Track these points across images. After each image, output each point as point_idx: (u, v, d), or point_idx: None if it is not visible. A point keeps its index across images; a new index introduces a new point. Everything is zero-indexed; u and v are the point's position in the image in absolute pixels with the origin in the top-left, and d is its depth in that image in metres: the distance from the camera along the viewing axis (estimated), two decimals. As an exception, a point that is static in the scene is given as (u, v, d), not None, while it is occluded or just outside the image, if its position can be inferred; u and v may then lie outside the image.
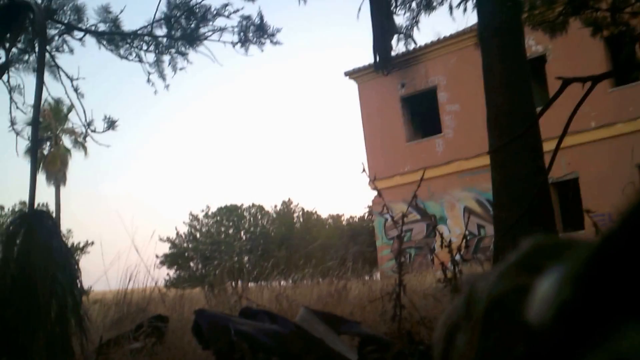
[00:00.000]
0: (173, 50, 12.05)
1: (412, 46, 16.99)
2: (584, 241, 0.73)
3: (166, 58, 12.16)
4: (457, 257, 6.44)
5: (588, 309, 0.59)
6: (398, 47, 15.85)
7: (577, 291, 0.61)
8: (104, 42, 11.81)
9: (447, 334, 0.84)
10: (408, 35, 15.54)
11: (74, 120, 42.04)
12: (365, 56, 33.29)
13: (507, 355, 0.71)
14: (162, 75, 12.29)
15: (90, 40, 11.87)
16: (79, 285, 5.41)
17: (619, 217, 0.61)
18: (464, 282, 0.85)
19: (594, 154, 23.85)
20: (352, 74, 31.55)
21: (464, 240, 7.05)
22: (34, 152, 6.48)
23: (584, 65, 19.74)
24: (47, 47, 10.35)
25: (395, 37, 15.11)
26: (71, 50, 11.97)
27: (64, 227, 39.14)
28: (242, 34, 11.94)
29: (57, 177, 42.99)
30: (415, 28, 15.33)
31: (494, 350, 0.73)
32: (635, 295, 0.57)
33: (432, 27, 60.56)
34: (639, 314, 0.57)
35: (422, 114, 29.76)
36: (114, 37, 11.87)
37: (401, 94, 29.94)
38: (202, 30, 11.95)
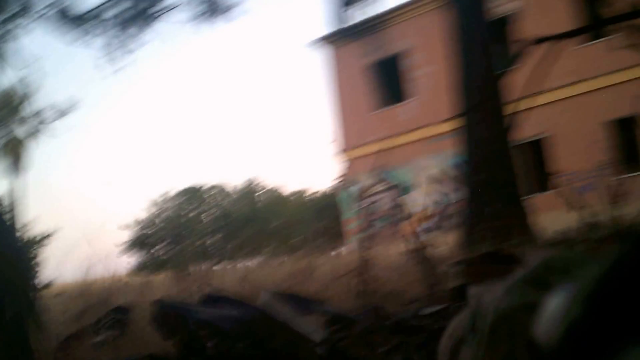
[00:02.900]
0: (121, 33, 11.84)
1: (379, 9, 16.90)
2: (594, 258, 0.74)
3: (116, 41, 11.94)
4: (423, 226, 6.40)
5: (597, 329, 0.59)
6: (365, 10, 15.75)
7: (586, 311, 0.61)
8: (51, 28, 11.55)
9: (452, 347, 0.84)
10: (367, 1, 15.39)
11: (29, 108, 41.42)
12: (333, 21, 33.08)
13: (512, 370, 0.63)
14: (112, 60, 12.06)
15: (38, 26, 11.61)
16: (35, 280, 5.29)
17: (631, 237, 0.61)
18: (471, 295, 0.84)
19: (566, 112, 23.94)
20: (316, 42, 31.32)
21: (429, 210, 7.01)
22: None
23: (552, 25, 19.75)
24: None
25: (357, 3, 15.01)
26: (19, 38, 11.71)
27: (21, 219, 38.61)
28: (195, 12, 11.78)
29: (13, 167, 42.38)
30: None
31: (499, 365, 0.64)
32: None
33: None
34: None
35: (392, 80, 29.65)
36: (62, 22, 11.62)
37: (366, 62, 29.75)
38: (154, 8, 11.76)
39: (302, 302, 4.80)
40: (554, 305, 0.66)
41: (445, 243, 7.51)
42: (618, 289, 0.57)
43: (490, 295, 0.79)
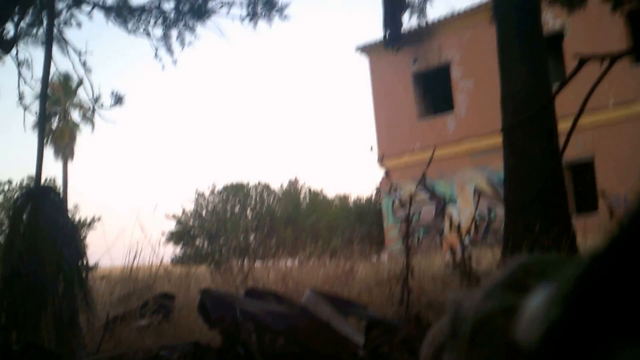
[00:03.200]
0: (181, 25, 11.99)
1: (424, 21, 16.85)
2: (571, 259, 0.74)
3: (174, 33, 12.11)
4: (467, 239, 6.37)
5: (578, 329, 0.58)
6: (410, 22, 15.76)
7: (566, 311, 0.60)
8: (112, 17, 11.74)
9: (433, 353, 0.82)
10: (420, 10, 15.47)
11: (82, 95, 41.83)
12: (378, 30, 33.00)
13: (494, 375, 0.72)
14: (169, 50, 12.25)
15: (98, 14, 11.82)
16: (84, 261, 5.41)
17: (606, 236, 0.60)
18: (450, 301, 0.82)
19: (611, 135, 23.56)
20: (363, 49, 31.27)
21: (474, 223, 6.96)
22: (41, 126, 6.46)
23: (603, 42, 19.46)
24: (55, 21, 10.29)
25: (408, 11, 15.03)
26: (79, 25, 11.93)
27: (71, 203, 39.32)
28: (250, 8, 11.87)
29: (65, 151, 43.04)
30: (428, 3, 15.21)
31: (481, 370, 0.73)
32: (625, 316, 0.56)
33: (446, 1, 60.26)
34: (630, 335, 0.56)
35: (434, 91, 29.48)
36: (122, 11, 11.80)
37: (413, 70, 29.63)
38: (210, 4, 11.89)
39: (344, 304, 4.83)
40: (533, 308, 0.66)
41: (489, 257, 7.47)
42: (597, 288, 0.57)
43: (469, 301, 0.79)
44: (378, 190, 33.99)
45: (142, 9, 11.90)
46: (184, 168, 70.86)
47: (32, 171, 6.29)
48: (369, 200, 38.90)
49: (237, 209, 40.90)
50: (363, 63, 34.33)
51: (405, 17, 15.45)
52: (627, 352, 0.54)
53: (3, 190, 36.88)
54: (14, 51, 10.48)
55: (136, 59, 78.98)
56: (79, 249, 5.44)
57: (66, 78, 30.14)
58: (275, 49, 79.20)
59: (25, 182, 34.36)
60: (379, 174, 33.39)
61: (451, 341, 0.79)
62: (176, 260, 32.53)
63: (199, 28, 12.06)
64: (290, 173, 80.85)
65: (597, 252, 0.59)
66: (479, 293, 0.79)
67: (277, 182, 51.64)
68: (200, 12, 11.80)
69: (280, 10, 11.97)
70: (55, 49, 10.66)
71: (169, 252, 36.04)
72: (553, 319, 0.61)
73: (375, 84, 31.04)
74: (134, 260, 8.13)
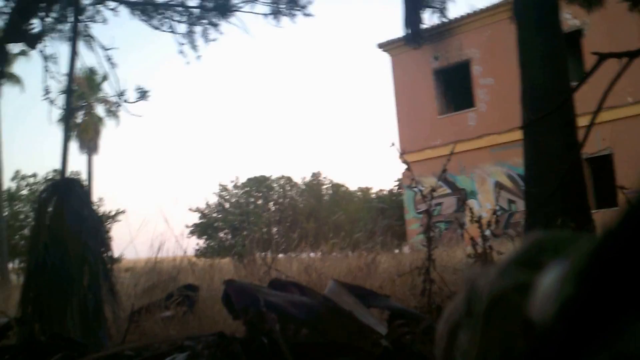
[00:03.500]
0: (205, 21, 12.06)
1: (444, 19, 16.83)
2: (585, 236, 0.74)
3: (198, 29, 12.18)
4: (488, 232, 6.38)
5: (591, 306, 0.57)
6: (431, 19, 15.75)
7: (579, 288, 0.60)
8: (137, 13, 11.81)
9: (449, 331, 0.84)
10: (441, 8, 15.42)
11: (107, 90, 42.04)
12: (399, 27, 32.96)
13: (509, 351, 0.73)
14: (193, 46, 12.32)
15: (123, 10, 11.90)
16: (109, 253, 5.46)
17: (620, 213, 0.59)
18: (465, 279, 0.84)
19: (630, 130, 23.46)
20: (384, 46, 31.31)
21: (494, 216, 6.96)
22: (66, 120, 6.54)
23: (622, 40, 19.35)
24: (81, 17, 10.36)
25: (429, 9, 15.00)
26: (104, 20, 12.01)
27: (95, 196, 39.58)
28: (273, 5, 11.91)
29: (90, 145, 43.36)
30: (448, 0, 15.16)
31: (496, 347, 0.75)
32: (639, 292, 0.55)
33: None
34: None
35: (455, 88, 29.50)
36: (147, 7, 11.88)
37: (434, 67, 29.67)
38: (234, 1, 11.95)
39: (367, 295, 4.86)
40: (547, 284, 0.65)
41: (510, 249, 7.48)
42: (610, 264, 0.56)
43: (484, 278, 0.81)
44: (400, 184, 33.97)
45: (166, 6, 11.98)
46: (207, 161, 71.07)
47: (57, 165, 6.34)
48: (390, 193, 38.80)
49: (260, 202, 40.93)
50: (384, 59, 34.30)
51: (426, 15, 15.50)
52: None
53: (28, 184, 37.22)
54: (40, 46, 10.57)
55: (159, 53, 79.29)
56: (104, 241, 5.49)
57: (91, 73, 30.35)
58: (297, 44, 79.28)
59: (50, 176, 34.61)
60: (400, 167, 33.38)
61: (466, 319, 0.81)
62: (200, 253, 32.68)
63: (223, 24, 12.13)
64: (313, 166, 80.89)
65: (610, 228, 0.59)
66: (494, 271, 0.79)
67: (300, 175, 51.54)
68: (225, 9, 11.85)
69: (303, 8, 12.01)
70: (80, 44, 10.76)
71: (193, 244, 36.19)
72: (566, 296, 0.61)
73: (396, 80, 31.03)
74: (158, 252, 8.21)
